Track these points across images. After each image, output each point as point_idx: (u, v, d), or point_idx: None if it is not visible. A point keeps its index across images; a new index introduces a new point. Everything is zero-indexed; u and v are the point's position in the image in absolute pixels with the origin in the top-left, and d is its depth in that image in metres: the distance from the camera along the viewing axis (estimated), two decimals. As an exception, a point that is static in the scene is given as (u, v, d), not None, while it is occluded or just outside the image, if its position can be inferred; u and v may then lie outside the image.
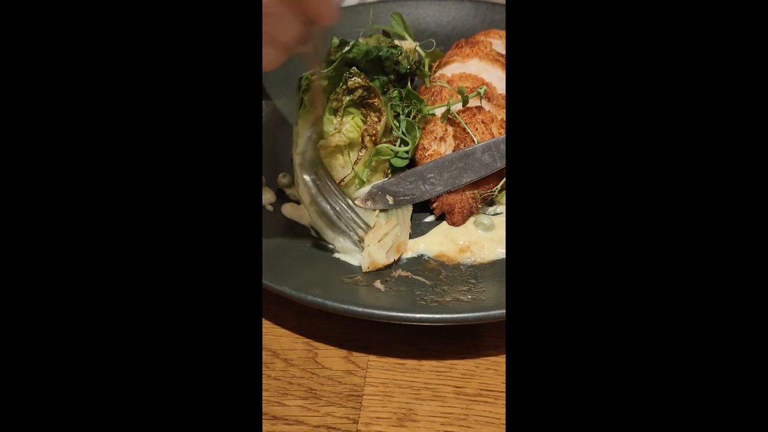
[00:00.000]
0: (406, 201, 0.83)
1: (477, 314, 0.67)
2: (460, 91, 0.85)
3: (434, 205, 0.83)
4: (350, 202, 0.82)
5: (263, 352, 0.72)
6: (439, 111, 0.87)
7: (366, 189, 0.83)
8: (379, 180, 0.84)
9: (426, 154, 0.85)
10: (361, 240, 0.78)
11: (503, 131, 0.86)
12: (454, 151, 0.85)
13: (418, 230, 0.82)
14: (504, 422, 0.65)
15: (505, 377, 0.69)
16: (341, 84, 0.85)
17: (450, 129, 0.86)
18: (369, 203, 0.82)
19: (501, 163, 0.82)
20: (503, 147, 0.82)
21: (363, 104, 0.86)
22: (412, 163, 0.86)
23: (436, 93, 0.90)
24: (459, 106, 0.86)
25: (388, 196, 0.82)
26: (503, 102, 0.89)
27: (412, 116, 0.87)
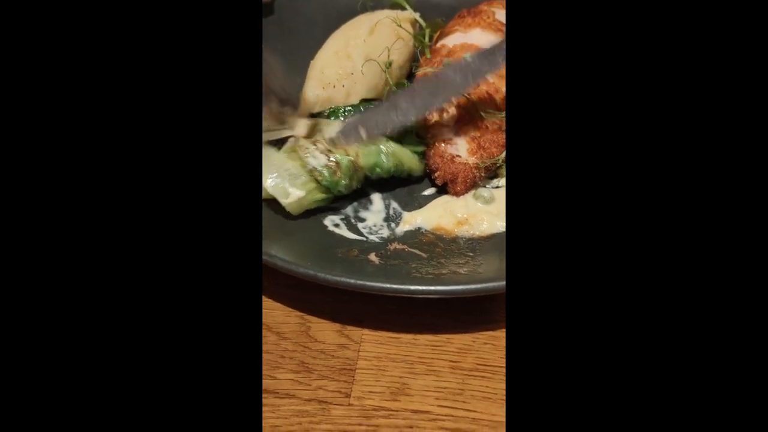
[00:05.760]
0: (379, 133, 0.79)
1: (473, 287, 0.65)
2: (462, 61, 0.82)
3: (436, 174, 0.80)
4: None
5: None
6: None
7: (337, 126, 0.80)
8: None
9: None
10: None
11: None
12: (456, 122, 0.82)
13: (416, 203, 0.80)
14: (502, 397, 0.63)
15: (503, 352, 0.67)
16: None
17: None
18: (342, 140, 0.79)
19: (474, 81, 0.80)
20: (475, 65, 0.79)
21: None
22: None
23: (437, 65, 0.87)
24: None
25: (361, 129, 0.79)
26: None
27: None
